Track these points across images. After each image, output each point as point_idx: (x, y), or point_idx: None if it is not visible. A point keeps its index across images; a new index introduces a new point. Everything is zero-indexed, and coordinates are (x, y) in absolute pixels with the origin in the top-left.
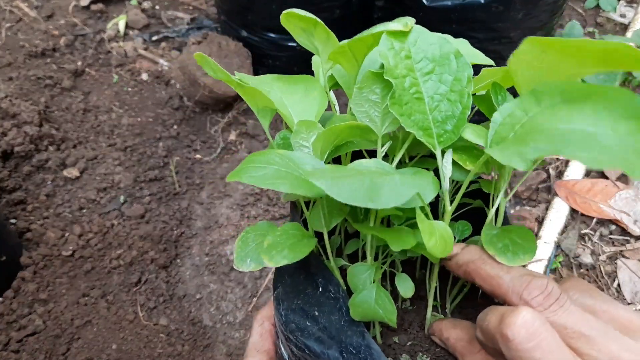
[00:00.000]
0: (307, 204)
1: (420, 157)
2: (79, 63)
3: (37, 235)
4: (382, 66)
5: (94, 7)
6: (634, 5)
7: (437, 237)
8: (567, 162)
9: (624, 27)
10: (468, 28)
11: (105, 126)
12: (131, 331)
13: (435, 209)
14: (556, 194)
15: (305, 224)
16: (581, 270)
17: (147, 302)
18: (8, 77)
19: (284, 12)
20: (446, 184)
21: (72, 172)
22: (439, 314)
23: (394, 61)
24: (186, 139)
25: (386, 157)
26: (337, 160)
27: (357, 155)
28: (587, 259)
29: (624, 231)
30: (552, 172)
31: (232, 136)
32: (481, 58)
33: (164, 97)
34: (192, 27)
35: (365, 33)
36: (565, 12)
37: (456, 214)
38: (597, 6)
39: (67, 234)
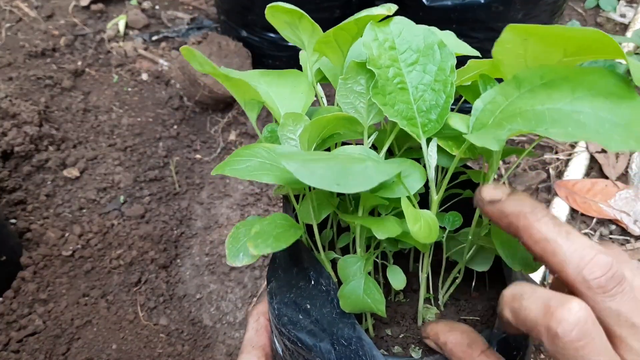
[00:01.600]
0: (298, 197)
1: (410, 149)
2: (79, 63)
3: (37, 235)
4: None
5: (94, 7)
6: (634, 5)
7: (422, 223)
8: (567, 162)
9: (624, 27)
10: (468, 28)
11: (105, 126)
12: (131, 331)
13: (426, 201)
14: (556, 194)
15: (297, 218)
16: None
17: (147, 302)
18: (8, 77)
19: (268, 6)
20: (432, 173)
21: (72, 172)
22: (432, 307)
23: (378, 51)
24: (186, 139)
25: (376, 149)
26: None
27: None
28: None
29: (624, 231)
30: (552, 172)
31: (232, 136)
32: (467, 50)
33: (164, 97)
34: (192, 27)
35: (350, 20)
36: (565, 12)
37: (447, 204)
38: (597, 6)
39: (67, 234)
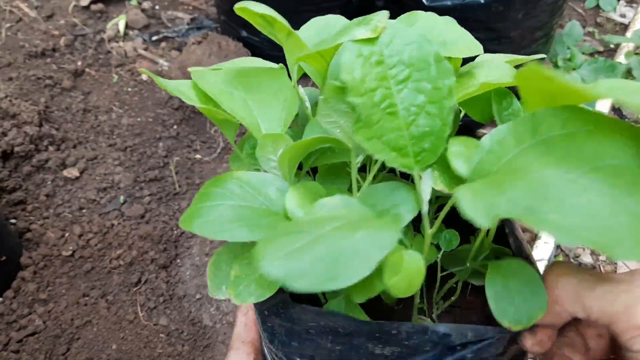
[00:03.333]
0: None
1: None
2: (79, 63)
3: (37, 235)
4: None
5: (94, 7)
6: (634, 5)
7: (402, 274)
8: None
9: (624, 27)
10: (468, 28)
11: (105, 126)
12: (131, 331)
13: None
14: None
15: None
16: None
17: (147, 302)
18: (8, 77)
19: (236, 5)
20: (425, 207)
21: (72, 172)
22: (426, 318)
23: (362, 72)
24: (186, 139)
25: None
26: (314, 171)
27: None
28: (587, 258)
29: None
30: None
31: None
32: (470, 46)
33: (164, 97)
34: (192, 27)
35: (329, 43)
36: (565, 12)
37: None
38: (597, 6)
39: (67, 234)
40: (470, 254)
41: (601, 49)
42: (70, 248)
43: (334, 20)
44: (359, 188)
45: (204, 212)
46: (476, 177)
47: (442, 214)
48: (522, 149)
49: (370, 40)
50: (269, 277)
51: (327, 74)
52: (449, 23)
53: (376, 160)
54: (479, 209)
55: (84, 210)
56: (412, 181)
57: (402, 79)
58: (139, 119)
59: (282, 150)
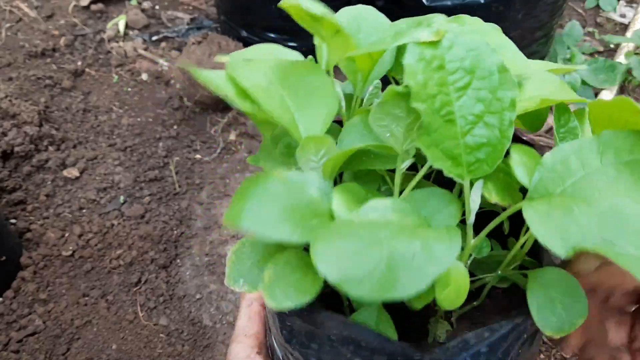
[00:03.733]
0: None
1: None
2: (79, 63)
3: (37, 235)
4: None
5: (94, 7)
6: (634, 5)
7: (451, 286)
8: None
9: (624, 27)
10: None
11: (105, 126)
12: (131, 331)
13: None
14: None
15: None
16: None
17: (147, 302)
18: (8, 77)
19: (282, 3)
20: (472, 218)
21: (72, 172)
22: (444, 321)
23: (424, 77)
24: (186, 139)
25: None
26: (356, 179)
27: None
28: None
29: None
30: None
31: (232, 136)
32: (519, 59)
33: (164, 97)
34: (192, 27)
35: (386, 44)
36: (565, 12)
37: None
38: (597, 6)
39: (67, 234)
40: (502, 261)
41: (601, 49)
42: (70, 248)
43: (366, 12)
44: (397, 192)
45: (251, 210)
46: (537, 196)
47: (489, 227)
48: (588, 173)
49: (431, 44)
50: (327, 279)
51: (371, 74)
52: (494, 30)
53: (422, 165)
54: (554, 237)
55: (84, 210)
56: (452, 189)
57: (462, 86)
58: (139, 119)
59: (328, 157)
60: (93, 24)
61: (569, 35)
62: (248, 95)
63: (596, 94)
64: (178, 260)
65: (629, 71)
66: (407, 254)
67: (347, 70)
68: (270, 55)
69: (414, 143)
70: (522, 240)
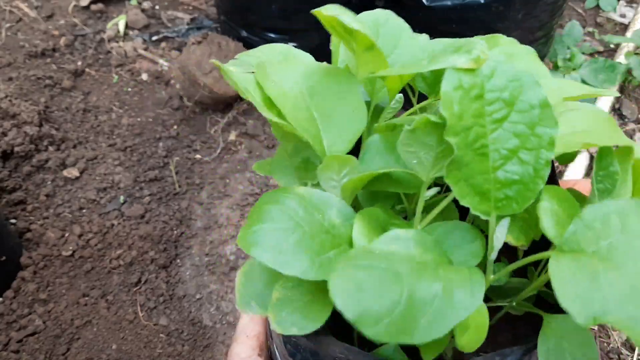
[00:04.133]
0: None
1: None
2: (79, 63)
3: (37, 235)
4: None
5: (94, 7)
6: (634, 5)
7: (472, 330)
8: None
9: (624, 27)
10: (468, 28)
11: (105, 126)
12: (131, 331)
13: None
14: None
15: None
16: None
17: (147, 302)
18: (8, 77)
19: (325, 13)
20: (494, 255)
21: (72, 172)
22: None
23: (460, 107)
24: (186, 139)
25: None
26: (371, 196)
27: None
28: None
29: None
30: None
31: (232, 136)
32: (552, 85)
33: (164, 97)
34: (192, 27)
35: (420, 67)
36: (565, 12)
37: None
38: (597, 6)
39: (67, 234)
40: (517, 287)
41: (601, 49)
42: (70, 248)
43: (384, 18)
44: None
45: (263, 234)
46: (568, 249)
47: (512, 267)
48: (627, 238)
49: (470, 71)
50: (344, 316)
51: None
52: (529, 54)
53: (445, 195)
54: (576, 302)
55: (84, 210)
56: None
57: (499, 118)
58: (139, 119)
59: (350, 177)
60: (93, 24)
61: (569, 35)
62: (274, 104)
63: None
64: (178, 260)
65: (629, 71)
66: (428, 296)
67: (365, 81)
68: (281, 56)
69: (441, 173)
70: (543, 278)
